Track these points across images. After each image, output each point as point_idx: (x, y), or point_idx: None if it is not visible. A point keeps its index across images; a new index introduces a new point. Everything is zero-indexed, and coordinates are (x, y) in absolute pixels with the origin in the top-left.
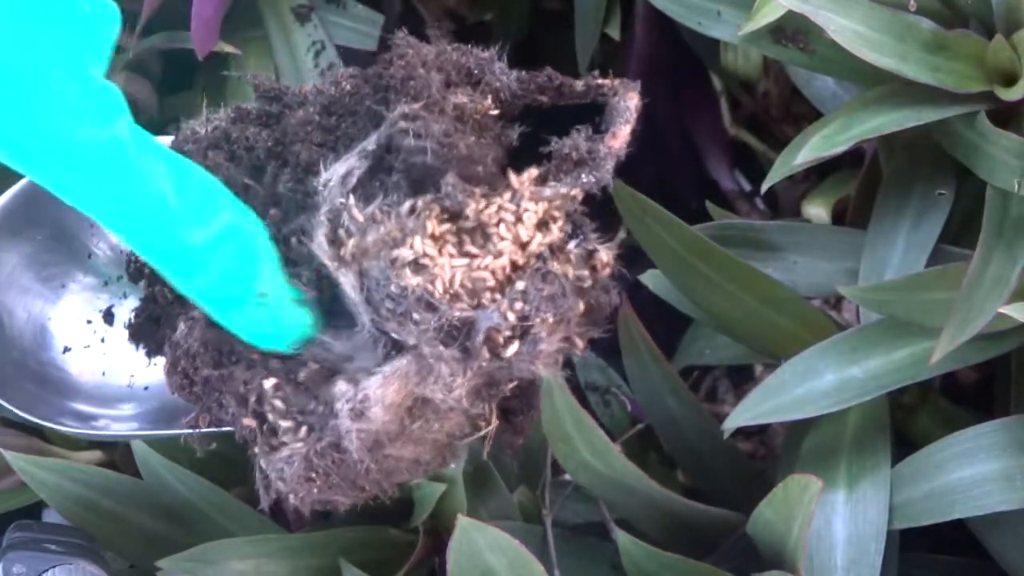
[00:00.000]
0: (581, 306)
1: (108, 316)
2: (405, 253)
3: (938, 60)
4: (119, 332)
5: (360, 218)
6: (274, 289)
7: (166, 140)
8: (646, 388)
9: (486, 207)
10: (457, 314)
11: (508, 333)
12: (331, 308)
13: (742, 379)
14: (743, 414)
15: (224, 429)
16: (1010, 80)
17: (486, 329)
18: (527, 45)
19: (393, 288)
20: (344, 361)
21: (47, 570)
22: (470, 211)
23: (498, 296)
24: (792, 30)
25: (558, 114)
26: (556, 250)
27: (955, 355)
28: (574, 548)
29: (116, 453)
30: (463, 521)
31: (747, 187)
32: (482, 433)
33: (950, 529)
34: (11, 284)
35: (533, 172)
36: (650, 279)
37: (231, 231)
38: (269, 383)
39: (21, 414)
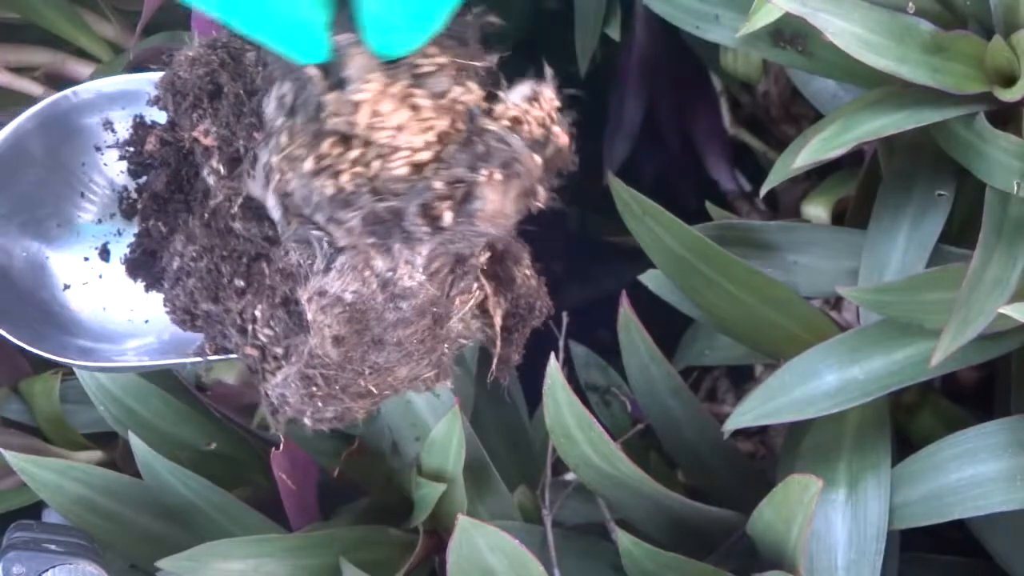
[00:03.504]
0: (537, 158)
1: (104, 253)
2: (310, 164)
3: (937, 61)
4: (116, 268)
5: (278, 140)
6: None
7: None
8: (646, 388)
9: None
10: (380, 205)
11: (444, 203)
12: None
13: (742, 379)
14: (744, 415)
15: (231, 356)
16: (1009, 81)
17: (417, 207)
18: (527, 45)
19: (315, 198)
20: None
21: (47, 570)
22: (362, 117)
23: (417, 176)
24: (790, 33)
25: None
26: (481, 110)
27: (956, 356)
28: (574, 548)
29: (116, 453)
30: (463, 520)
31: (747, 187)
32: (463, 308)
33: (950, 529)
34: (7, 225)
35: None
36: (650, 279)
37: None
38: (259, 309)
39: (29, 348)
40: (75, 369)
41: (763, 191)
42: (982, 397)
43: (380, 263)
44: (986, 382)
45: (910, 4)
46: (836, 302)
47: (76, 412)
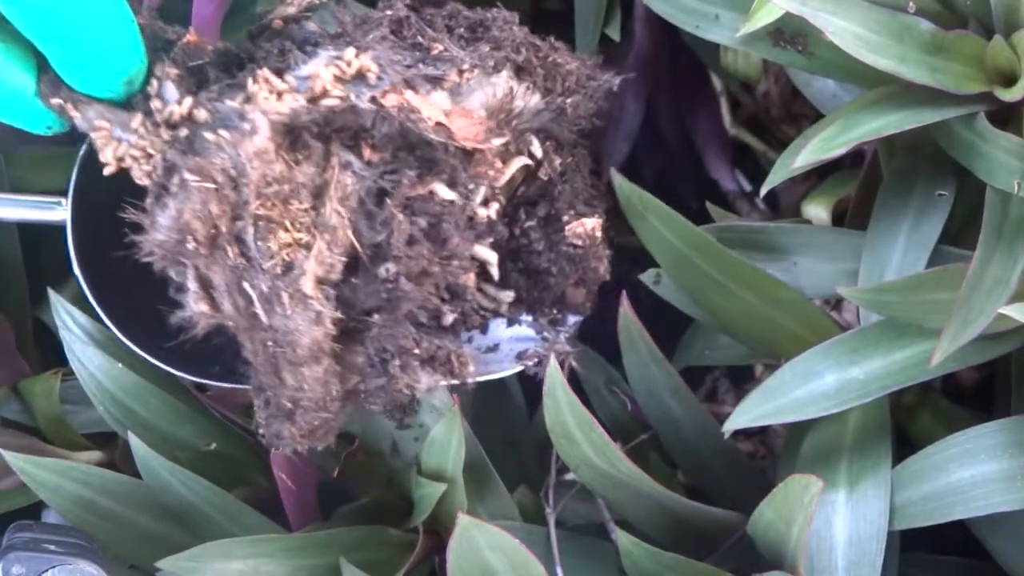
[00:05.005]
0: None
1: None
2: None
3: (937, 61)
4: None
5: None
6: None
7: None
8: (646, 388)
9: None
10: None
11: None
12: None
13: (742, 379)
14: (744, 415)
15: None
16: (1009, 81)
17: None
18: None
19: None
20: None
21: (47, 570)
22: None
23: None
24: (791, 32)
25: None
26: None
27: (956, 356)
28: (574, 548)
29: (116, 453)
30: (463, 519)
31: (747, 187)
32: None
33: (951, 529)
34: None
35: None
36: (650, 278)
37: None
38: None
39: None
40: (76, 369)
41: (763, 191)
42: (982, 397)
43: None
44: (986, 382)
45: (910, 4)
46: (836, 303)
47: (76, 412)
